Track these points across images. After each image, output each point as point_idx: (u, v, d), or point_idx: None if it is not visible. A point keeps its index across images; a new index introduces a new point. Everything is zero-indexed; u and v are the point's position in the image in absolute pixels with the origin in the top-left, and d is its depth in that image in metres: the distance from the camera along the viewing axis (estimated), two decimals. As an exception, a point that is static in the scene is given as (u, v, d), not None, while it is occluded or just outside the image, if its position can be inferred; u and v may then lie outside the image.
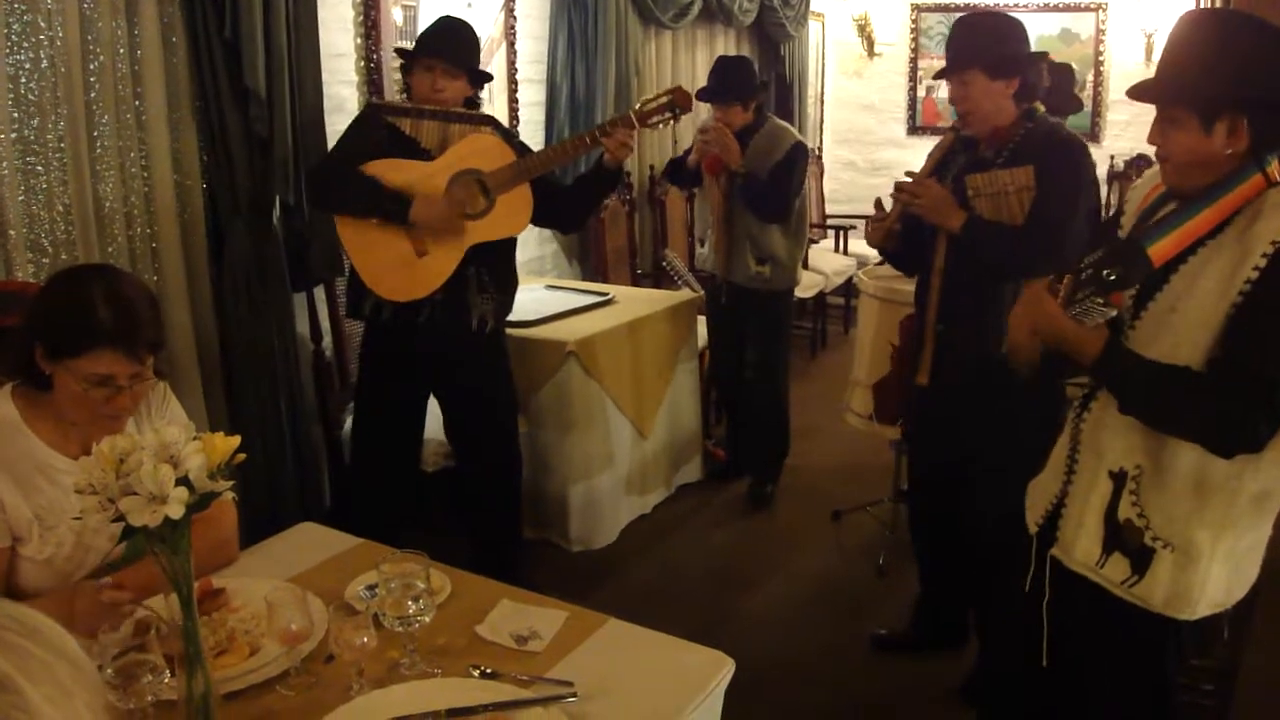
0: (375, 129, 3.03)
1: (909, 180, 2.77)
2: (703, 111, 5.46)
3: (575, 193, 3.30)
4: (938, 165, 2.81)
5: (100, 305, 1.74)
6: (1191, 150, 1.67)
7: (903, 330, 3.47)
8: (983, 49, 2.64)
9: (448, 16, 3.17)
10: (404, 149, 3.00)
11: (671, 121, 3.05)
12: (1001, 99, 2.63)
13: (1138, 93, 1.73)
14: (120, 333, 1.75)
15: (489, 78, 3.25)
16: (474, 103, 3.18)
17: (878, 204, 2.88)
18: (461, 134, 3.02)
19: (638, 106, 3.04)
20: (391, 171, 2.94)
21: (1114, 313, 1.65)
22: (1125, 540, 1.79)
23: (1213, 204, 1.66)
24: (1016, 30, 2.70)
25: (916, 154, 4.22)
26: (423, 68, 3.03)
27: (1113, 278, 1.60)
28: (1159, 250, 1.66)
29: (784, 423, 4.42)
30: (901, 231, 2.83)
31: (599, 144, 3.02)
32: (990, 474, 2.66)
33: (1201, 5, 5.32)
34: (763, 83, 4.24)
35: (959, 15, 2.87)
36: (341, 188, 2.98)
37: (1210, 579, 1.76)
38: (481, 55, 4.47)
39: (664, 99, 3.02)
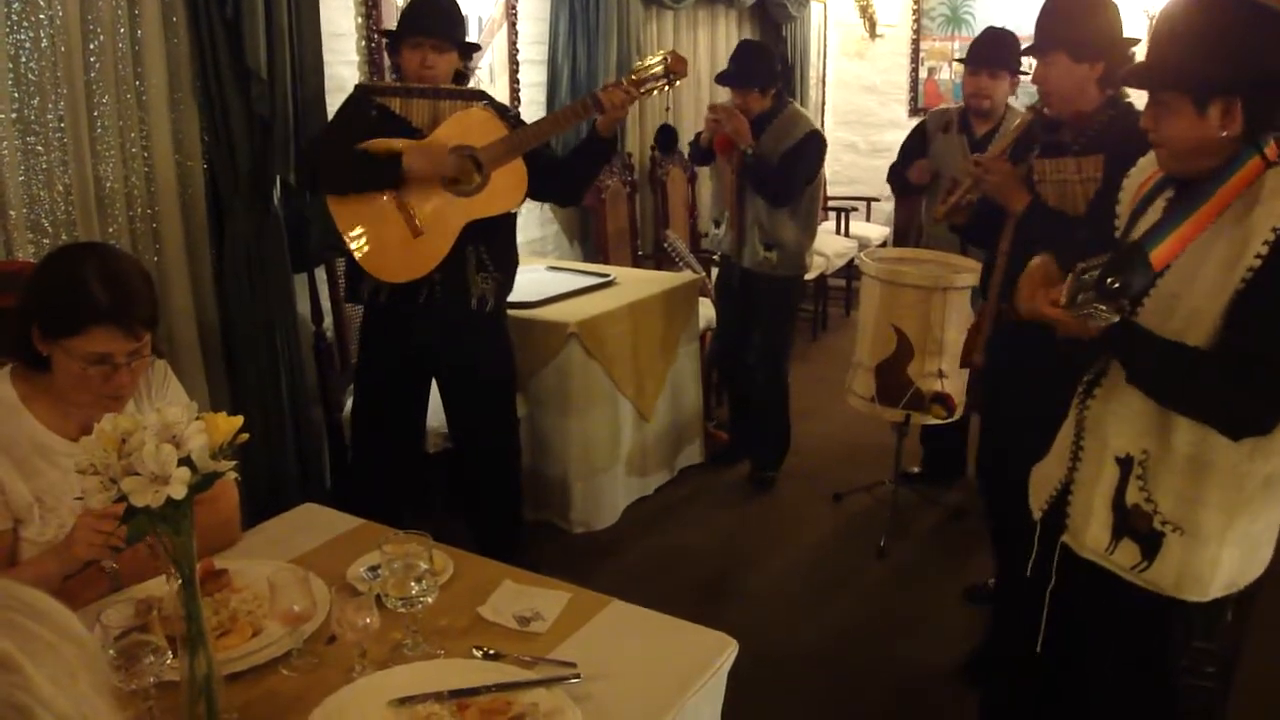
0: (365, 110, 2.99)
1: (982, 156, 2.72)
2: (704, 89, 5.46)
3: (570, 165, 3.25)
4: (1014, 144, 2.73)
5: (94, 283, 1.74)
6: (1187, 136, 1.65)
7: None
8: (1067, 30, 2.51)
9: None
10: (395, 129, 2.95)
11: (666, 88, 2.99)
12: (1085, 83, 2.50)
13: (1128, 78, 1.70)
14: (116, 310, 1.74)
15: (476, 48, 3.21)
16: (463, 77, 3.13)
17: (952, 180, 2.84)
18: (452, 110, 2.99)
19: (632, 73, 3.01)
20: (382, 149, 2.90)
21: (1117, 318, 1.62)
22: (1134, 525, 1.78)
23: (1211, 197, 1.63)
24: (1106, 10, 2.55)
25: (919, 136, 4.18)
26: (410, 46, 2.98)
27: (1116, 285, 1.57)
28: (1160, 254, 1.63)
29: (784, 413, 4.41)
30: (978, 208, 2.77)
31: (591, 112, 2.98)
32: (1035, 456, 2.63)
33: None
34: (781, 70, 4.19)
35: None
36: (330, 165, 2.93)
37: (1222, 561, 1.75)
38: (482, 36, 4.47)
39: (658, 65, 2.97)
